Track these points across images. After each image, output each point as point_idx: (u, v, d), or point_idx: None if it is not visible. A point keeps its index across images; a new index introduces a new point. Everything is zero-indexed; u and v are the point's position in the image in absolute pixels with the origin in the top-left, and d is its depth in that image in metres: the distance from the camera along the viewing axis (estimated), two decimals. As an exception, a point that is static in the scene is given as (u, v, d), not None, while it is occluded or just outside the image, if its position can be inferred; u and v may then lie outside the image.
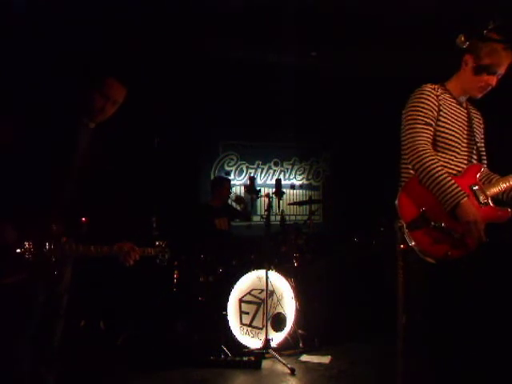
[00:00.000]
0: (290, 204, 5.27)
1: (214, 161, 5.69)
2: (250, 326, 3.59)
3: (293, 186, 5.86)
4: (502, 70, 2.02)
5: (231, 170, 5.73)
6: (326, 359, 3.46)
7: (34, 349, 1.94)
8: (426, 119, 2.00)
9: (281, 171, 5.96)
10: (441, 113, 2.04)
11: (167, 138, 4.62)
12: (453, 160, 2.07)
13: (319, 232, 5.20)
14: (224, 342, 3.48)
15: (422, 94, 2.03)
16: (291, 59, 5.15)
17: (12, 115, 2.02)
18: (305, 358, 3.52)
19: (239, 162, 5.78)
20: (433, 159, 1.94)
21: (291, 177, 6.00)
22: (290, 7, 3.87)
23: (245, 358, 3.40)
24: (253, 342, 3.54)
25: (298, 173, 6.03)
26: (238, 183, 5.72)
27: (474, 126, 2.15)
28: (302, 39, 4.50)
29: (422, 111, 2.01)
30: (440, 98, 2.05)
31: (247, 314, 3.61)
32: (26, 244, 1.83)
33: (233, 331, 3.51)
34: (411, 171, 2.04)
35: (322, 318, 3.96)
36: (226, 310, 3.53)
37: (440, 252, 1.93)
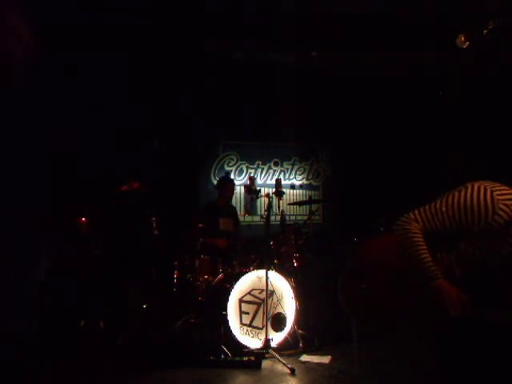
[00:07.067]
0: (290, 204, 5.26)
1: (214, 161, 5.69)
2: (250, 325, 3.59)
3: (293, 186, 5.85)
4: None
5: (231, 170, 5.73)
6: (325, 359, 3.45)
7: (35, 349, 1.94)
8: None
9: (281, 171, 5.95)
10: None
11: (167, 138, 4.62)
12: None
13: (319, 232, 5.20)
14: (224, 342, 3.48)
15: None
16: (291, 59, 5.16)
17: None
18: (305, 358, 3.51)
19: (239, 162, 5.77)
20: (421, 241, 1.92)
21: (291, 177, 6.00)
22: (291, 7, 3.87)
23: (245, 358, 3.39)
24: (253, 341, 3.54)
25: (298, 173, 6.03)
26: (238, 183, 5.71)
27: None
28: (302, 39, 4.51)
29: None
30: None
31: (247, 314, 3.61)
32: None
33: (233, 331, 3.51)
34: None
35: (322, 318, 3.96)
36: (226, 310, 3.52)
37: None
